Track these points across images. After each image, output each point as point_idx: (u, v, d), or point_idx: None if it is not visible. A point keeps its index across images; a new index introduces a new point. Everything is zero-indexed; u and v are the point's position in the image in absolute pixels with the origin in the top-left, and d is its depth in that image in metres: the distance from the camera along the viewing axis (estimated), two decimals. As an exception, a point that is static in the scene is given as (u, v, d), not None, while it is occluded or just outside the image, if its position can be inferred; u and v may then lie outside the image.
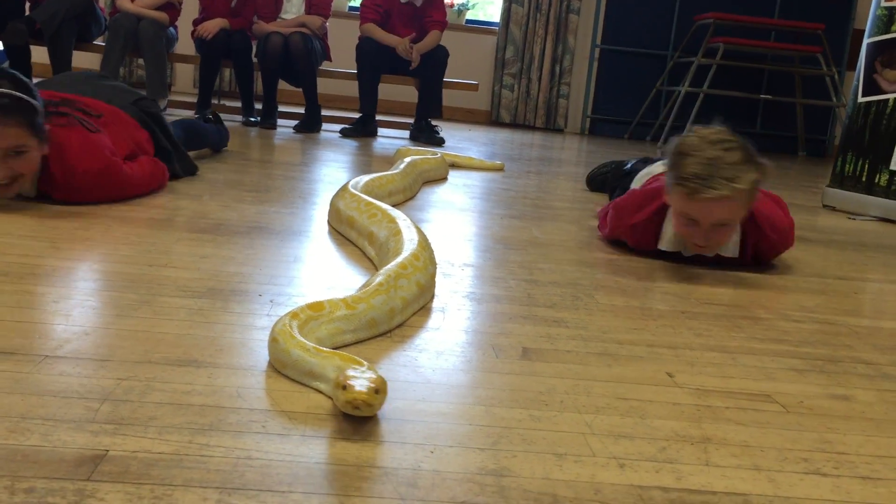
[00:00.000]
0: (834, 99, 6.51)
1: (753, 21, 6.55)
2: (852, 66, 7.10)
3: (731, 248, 1.88)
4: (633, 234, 1.95)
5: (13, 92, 1.73)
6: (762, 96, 6.72)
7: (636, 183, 2.30)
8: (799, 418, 1.04)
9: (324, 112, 5.03)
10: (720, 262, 1.90)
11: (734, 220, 1.77)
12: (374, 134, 4.84)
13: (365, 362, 0.95)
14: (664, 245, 1.90)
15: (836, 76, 6.57)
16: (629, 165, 2.86)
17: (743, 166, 1.70)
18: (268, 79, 4.66)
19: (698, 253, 1.85)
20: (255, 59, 4.73)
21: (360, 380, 0.88)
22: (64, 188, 1.90)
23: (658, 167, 2.28)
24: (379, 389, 0.88)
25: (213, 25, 4.56)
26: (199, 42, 4.68)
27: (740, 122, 7.17)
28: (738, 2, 6.88)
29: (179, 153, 2.46)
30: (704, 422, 1.00)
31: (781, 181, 4.23)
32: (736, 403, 1.07)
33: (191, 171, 2.55)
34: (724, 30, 6.44)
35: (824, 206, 3.37)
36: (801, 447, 0.95)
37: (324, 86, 5.27)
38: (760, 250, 1.92)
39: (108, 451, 0.78)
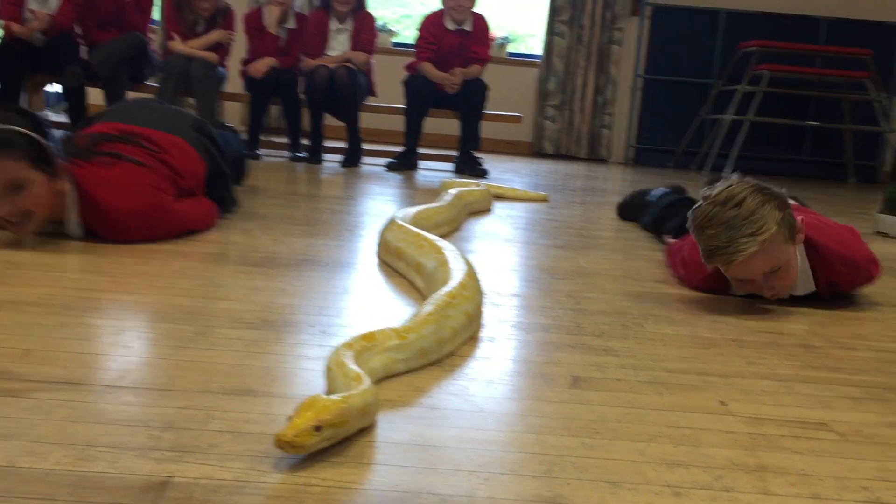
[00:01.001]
0: (883, 124, 6.41)
1: (799, 48, 6.49)
2: (902, 90, 6.99)
3: (802, 285, 1.81)
4: (704, 287, 1.89)
5: (11, 127, 1.72)
6: (809, 123, 6.63)
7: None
8: (857, 447, 1.02)
9: (366, 146, 5.10)
10: (795, 301, 1.83)
11: (782, 263, 1.70)
12: (415, 167, 4.90)
13: (362, 390, 0.94)
14: (738, 292, 1.84)
15: (885, 101, 6.46)
16: (653, 194, 2.87)
17: (760, 213, 1.64)
18: (315, 112, 4.75)
19: (776, 298, 1.79)
20: (302, 96, 4.83)
21: (300, 417, 0.85)
22: (110, 228, 1.91)
23: None
24: (322, 425, 0.84)
25: (263, 65, 4.68)
26: (249, 81, 4.80)
27: (787, 149, 7.08)
28: (782, 29, 6.83)
29: (229, 180, 2.48)
30: (760, 450, 0.99)
31: (832, 208, 4.16)
32: (791, 432, 1.06)
33: (234, 202, 2.55)
34: (768, 57, 6.40)
35: (877, 232, 3.31)
36: (861, 475, 0.94)
37: (368, 120, 5.35)
38: (834, 284, 1.83)
39: (171, 477, 0.80)
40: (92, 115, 2.24)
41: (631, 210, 3.06)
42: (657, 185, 3.09)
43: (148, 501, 0.75)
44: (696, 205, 1.75)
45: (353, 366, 1.04)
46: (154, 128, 2.17)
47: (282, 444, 0.83)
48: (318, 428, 0.85)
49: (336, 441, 0.89)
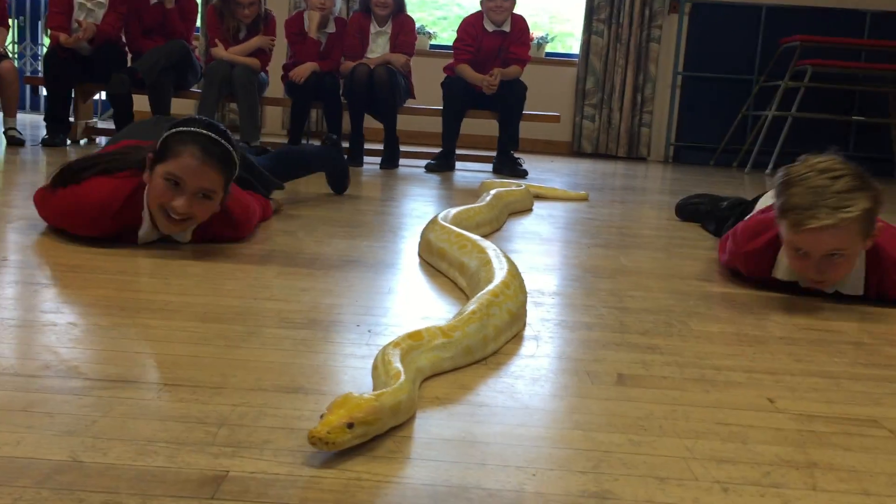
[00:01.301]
0: (932, 118, 6.26)
1: (842, 42, 6.38)
2: (950, 83, 6.83)
3: (851, 284, 1.78)
4: (747, 262, 1.89)
5: (226, 142, 1.86)
6: (854, 118, 6.51)
7: (759, 206, 2.23)
8: (909, 444, 1.01)
9: (405, 148, 5.13)
10: (840, 299, 1.80)
11: (847, 252, 1.65)
12: (453, 168, 4.92)
13: (395, 388, 0.96)
14: (780, 274, 1.83)
15: (934, 94, 6.32)
16: (725, 204, 2.82)
17: (852, 194, 1.61)
18: (355, 112, 4.79)
19: (816, 287, 1.77)
20: (343, 100, 4.88)
21: (333, 414, 0.87)
22: (226, 229, 2.03)
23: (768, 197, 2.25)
24: (354, 423, 0.86)
25: (305, 70, 4.73)
26: (290, 85, 4.86)
27: (832, 145, 6.94)
28: (825, 23, 6.72)
29: (262, 181, 2.48)
30: (809, 447, 0.98)
31: (878, 204, 4.08)
32: (841, 429, 1.05)
33: (278, 185, 2.59)
34: (811, 52, 6.30)
35: (926, 228, 3.24)
36: (913, 473, 0.93)
37: (406, 122, 5.38)
38: (883, 289, 1.79)
39: (228, 471, 0.83)
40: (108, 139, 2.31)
41: (695, 213, 3.00)
42: (700, 184, 3.07)
43: (206, 495, 0.78)
44: (792, 164, 1.72)
45: (396, 364, 1.05)
46: None
47: (315, 440, 0.84)
48: (350, 425, 0.87)
49: (368, 438, 0.90)
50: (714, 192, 3.23)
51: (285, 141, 5.13)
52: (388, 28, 4.90)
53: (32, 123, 6.42)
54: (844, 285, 1.79)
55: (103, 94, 5.50)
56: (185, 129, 1.84)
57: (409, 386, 0.99)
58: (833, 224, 1.59)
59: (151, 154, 1.86)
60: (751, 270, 1.90)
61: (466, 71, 4.80)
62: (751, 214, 2.16)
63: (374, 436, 0.91)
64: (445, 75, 4.97)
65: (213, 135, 1.85)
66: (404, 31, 4.91)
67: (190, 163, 1.80)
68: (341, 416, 0.87)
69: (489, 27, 4.86)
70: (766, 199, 2.20)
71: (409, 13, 5.02)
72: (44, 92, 5.04)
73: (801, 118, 6.20)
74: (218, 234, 2.03)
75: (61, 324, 1.31)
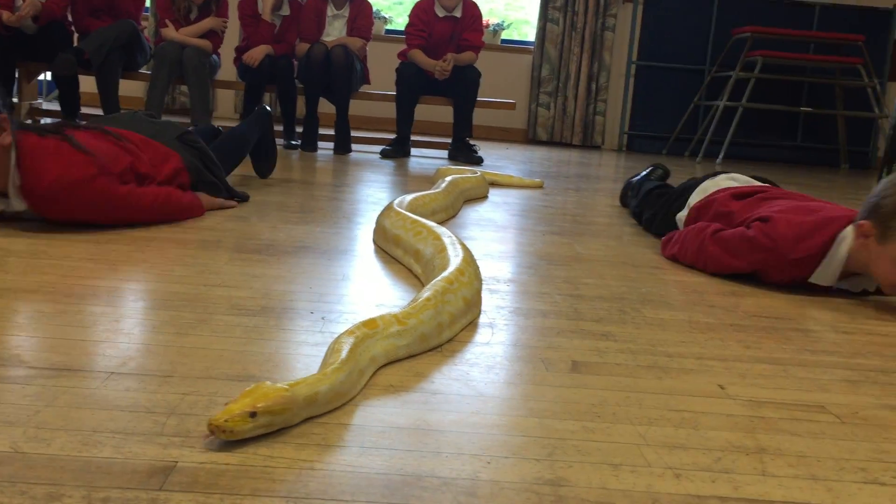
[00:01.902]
0: (876, 110, 6.42)
1: (792, 34, 6.50)
2: (894, 76, 7.01)
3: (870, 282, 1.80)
4: (789, 269, 1.79)
5: None
6: (802, 109, 6.65)
7: (696, 196, 2.23)
8: (854, 429, 1.04)
9: (359, 133, 5.09)
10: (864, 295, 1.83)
11: None
12: (408, 154, 4.90)
13: (315, 378, 0.94)
14: (821, 279, 1.78)
15: (878, 87, 6.48)
16: (635, 179, 2.95)
17: None
18: (310, 95, 4.72)
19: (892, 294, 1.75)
20: (297, 85, 4.82)
21: (237, 402, 0.86)
22: (38, 198, 1.84)
23: (723, 181, 2.24)
24: (256, 412, 0.85)
25: (259, 53, 4.66)
26: (243, 68, 4.78)
27: (781, 135, 7.10)
28: (775, 15, 6.84)
29: (227, 186, 2.46)
30: (759, 432, 1.00)
31: (825, 194, 4.18)
32: (790, 414, 1.07)
33: (243, 198, 2.56)
34: (762, 43, 6.40)
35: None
36: (858, 457, 0.95)
37: (361, 108, 5.34)
38: None
39: (177, 462, 0.81)
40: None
41: (624, 197, 3.09)
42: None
43: (154, 486, 0.76)
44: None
45: (343, 353, 1.03)
46: (133, 130, 2.17)
47: (213, 428, 0.83)
48: (252, 414, 0.85)
49: (274, 428, 0.88)
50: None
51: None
52: (346, 12, 4.85)
53: (-26, 103, 6.21)
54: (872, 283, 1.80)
55: (48, 75, 5.35)
56: None
57: (337, 376, 0.97)
58: None
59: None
60: (792, 276, 1.81)
61: (418, 56, 4.78)
62: (690, 206, 2.20)
63: (282, 426, 0.89)
64: (400, 61, 4.94)
65: None
66: (362, 15, 4.86)
67: None
68: (244, 405, 0.86)
69: (440, 12, 4.85)
70: (703, 191, 2.22)
71: (365, -3, 4.98)
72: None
73: (752, 108, 6.30)
74: (35, 191, 1.83)
75: (2, 312, 1.26)
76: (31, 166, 1.83)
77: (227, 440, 0.85)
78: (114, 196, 1.94)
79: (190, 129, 2.46)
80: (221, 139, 2.79)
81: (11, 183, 1.84)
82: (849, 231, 1.73)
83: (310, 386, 0.93)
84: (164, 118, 2.70)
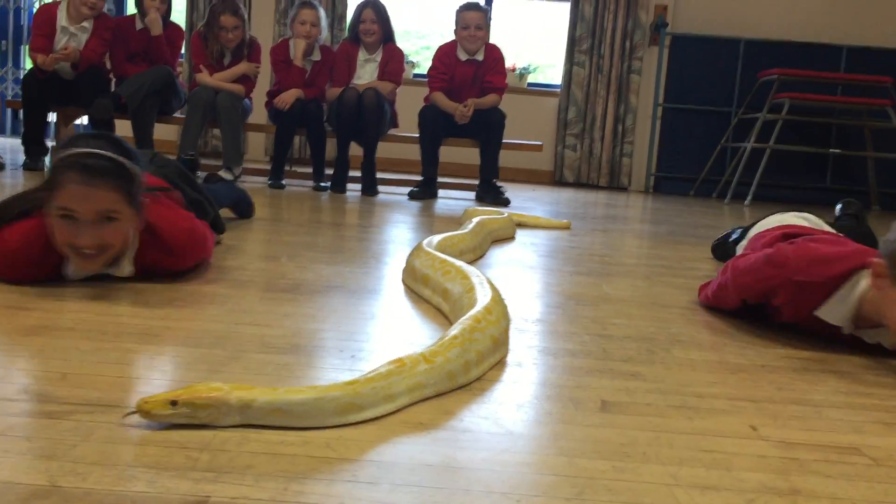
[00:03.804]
0: (907, 151, 6.37)
1: (819, 76, 6.50)
2: (924, 117, 6.96)
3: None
4: (788, 291, 1.66)
5: (111, 154, 1.66)
6: (831, 150, 6.62)
7: (755, 230, 2.19)
8: (890, 471, 1.02)
9: (387, 175, 5.14)
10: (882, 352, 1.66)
11: None
12: (435, 196, 4.94)
13: (261, 389, 1.02)
14: (829, 315, 1.64)
15: (908, 128, 6.44)
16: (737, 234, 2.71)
17: None
18: (341, 138, 4.79)
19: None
20: (327, 128, 4.89)
21: (170, 392, 0.98)
22: (175, 253, 1.83)
23: (790, 217, 2.17)
24: (177, 401, 0.96)
25: (290, 97, 4.75)
26: (274, 112, 4.87)
27: (810, 177, 7.05)
28: (802, 57, 6.84)
29: (213, 205, 2.37)
30: (792, 474, 0.99)
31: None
32: (823, 456, 1.06)
33: (221, 228, 2.45)
34: (789, 85, 6.40)
35: (903, 259, 3.28)
36: (893, 500, 0.93)
37: (389, 150, 5.40)
38: None
39: (209, 497, 0.82)
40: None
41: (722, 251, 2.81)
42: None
43: (187, 520, 0.77)
44: None
45: (340, 388, 1.05)
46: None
47: (136, 407, 0.97)
48: (173, 403, 0.96)
49: (199, 422, 0.98)
50: (742, 224, 3.00)
51: (267, 167, 5.12)
52: (378, 56, 4.94)
53: (13, 147, 6.37)
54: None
55: (85, 119, 5.48)
56: (65, 153, 1.65)
57: (289, 396, 1.01)
58: None
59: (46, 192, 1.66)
60: (788, 300, 1.68)
61: (440, 99, 4.85)
62: (748, 243, 2.14)
63: (208, 422, 0.98)
64: (424, 104, 5.01)
65: (93, 150, 1.64)
66: (394, 60, 4.95)
67: (74, 189, 1.61)
68: (171, 395, 0.97)
69: (462, 56, 4.92)
70: (765, 225, 2.20)
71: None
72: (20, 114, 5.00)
73: (780, 150, 6.28)
74: (157, 262, 1.84)
75: (40, 348, 1.29)
76: (163, 227, 1.79)
77: (150, 421, 0.98)
78: (204, 233, 1.96)
79: (155, 151, 2.43)
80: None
81: (130, 252, 1.79)
82: (867, 274, 1.59)
83: (246, 393, 1.00)
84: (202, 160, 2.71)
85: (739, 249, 2.26)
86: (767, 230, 2.14)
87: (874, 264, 1.55)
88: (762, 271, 1.71)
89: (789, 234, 1.97)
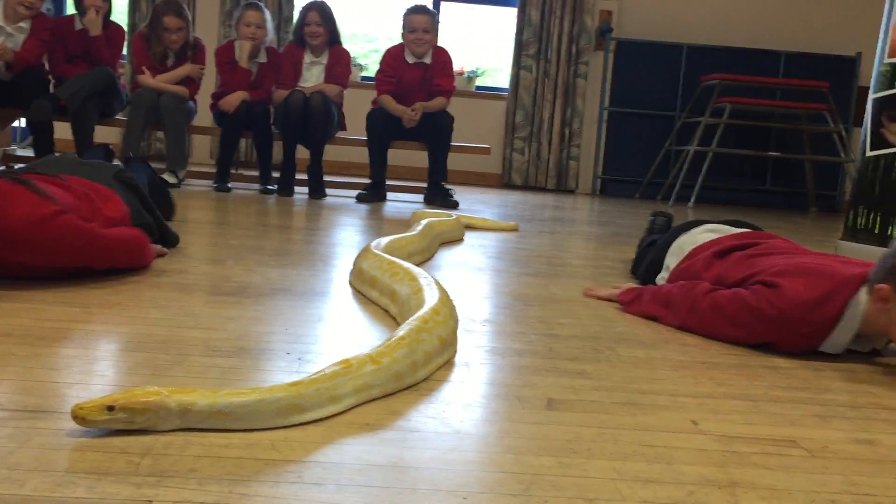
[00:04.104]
0: (842, 154, 6.57)
1: (759, 81, 6.66)
2: (859, 121, 7.18)
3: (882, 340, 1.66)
4: (800, 340, 1.62)
5: None
6: (771, 154, 6.79)
7: (673, 257, 2.09)
8: (825, 462, 1.05)
9: (335, 178, 5.12)
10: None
11: None
12: (384, 198, 4.93)
13: (202, 392, 1.01)
14: (833, 347, 1.62)
15: (844, 132, 6.64)
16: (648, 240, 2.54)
17: None
18: (287, 141, 4.74)
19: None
20: (273, 131, 4.85)
21: (107, 397, 0.96)
22: (4, 242, 1.69)
23: (701, 235, 2.08)
24: (115, 406, 0.95)
25: (235, 99, 4.69)
26: (220, 115, 4.81)
27: (750, 179, 7.23)
28: (743, 62, 7.01)
29: (162, 225, 2.36)
30: (731, 466, 1.01)
31: (795, 237, 4.25)
32: (761, 449, 1.08)
33: (174, 241, 2.42)
34: (730, 90, 6.55)
35: (838, 258, 3.38)
36: (829, 490, 0.96)
37: (336, 153, 5.37)
38: None
39: (151, 501, 0.80)
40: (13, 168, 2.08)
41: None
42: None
43: (129, 525, 0.75)
44: None
45: (283, 390, 1.05)
46: (68, 174, 2.06)
47: (71, 414, 0.94)
48: (110, 408, 0.95)
49: (137, 427, 0.96)
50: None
51: (212, 170, 5.05)
52: (324, 59, 4.90)
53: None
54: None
55: (23, 121, 5.34)
56: None
57: (228, 399, 1.01)
58: None
59: None
60: (802, 344, 1.62)
61: (388, 102, 4.84)
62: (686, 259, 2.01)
63: (146, 427, 0.97)
64: (372, 107, 5.00)
65: None
66: (340, 63, 4.92)
67: None
68: (107, 399, 0.95)
69: (410, 59, 4.92)
70: (686, 242, 2.08)
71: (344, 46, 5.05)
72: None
73: (721, 153, 6.42)
74: None
75: (-25, 353, 1.25)
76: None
77: (85, 427, 0.95)
78: (81, 233, 1.80)
79: (121, 167, 2.39)
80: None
81: None
82: (863, 295, 1.57)
83: (189, 396, 0.99)
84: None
85: (662, 279, 2.12)
86: (691, 255, 2.02)
87: (878, 290, 1.53)
88: (757, 325, 1.64)
89: (722, 252, 1.91)
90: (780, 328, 1.61)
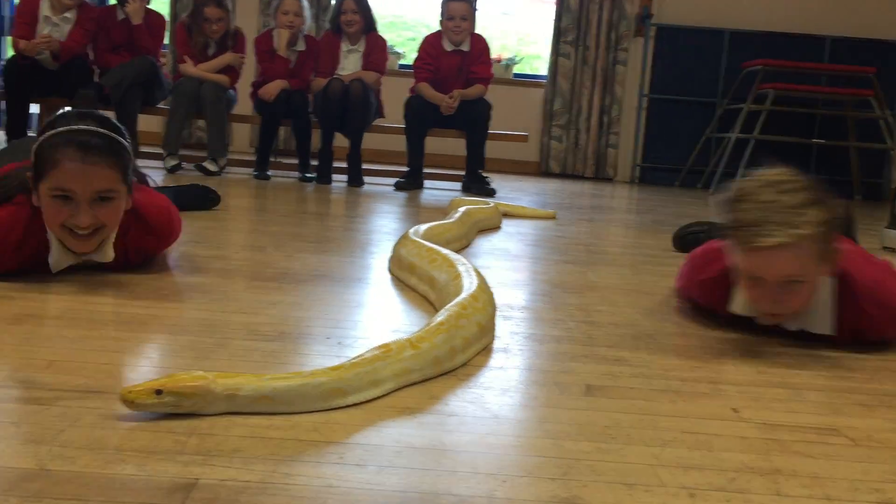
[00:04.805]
0: (888, 141, 6.43)
1: (803, 66, 6.54)
2: (906, 108, 7.02)
3: (820, 321, 1.55)
4: (701, 292, 1.73)
5: (105, 131, 1.60)
6: (815, 141, 6.66)
7: None
8: (868, 451, 1.04)
9: (373, 166, 5.14)
10: (809, 339, 1.58)
11: (805, 277, 1.43)
12: (421, 186, 4.94)
13: (247, 377, 1.02)
14: (736, 308, 1.59)
15: (890, 119, 6.49)
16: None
17: (806, 210, 1.41)
18: (326, 129, 4.78)
19: (773, 323, 1.55)
20: (312, 119, 4.88)
21: (154, 381, 0.98)
22: (143, 237, 1.78)
23: None
24: (163, 390, 0.96)
25: (275, 87, 4.73)
26: (259, 103, 4.85)
27: (794, 166, 7.09)
28: (786, 48, 6.88)
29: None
30: (773, 454, 1.00)
31: (838, 224, 4.17)
32: (804, 437, 1.07)
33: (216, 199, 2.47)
34: (773, 76, 6.44)
35: (884, 247, 3.32)
36: (873, 478, 0.95)
37: (374, 141, 5.39)
38: (859, 329, 1.55)
39: (198, 479, 0.82)
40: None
41: (696, 242, 2.47)
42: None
43: (176, 501, 0.77)
44: (740, 179, 1.55)
45: (325, 374, 1.06)
46: None
47: (120, 397, 0.96)
48: (158, 392, 0.96)
49: (184, 410, 0.97)
50: (705, 218, 2.97)
51: (251, 158, 5.09)
52: (361, 46, 4.92)
53: (-5, 139, 6.33)
54: (809, 321, 1.56)
55: (69, 110, 5.43)
56: (53, 131, 1.58)
57: (274, 383, 1.02)
58: (786, 243, 1.38)
59: (30, 173, 1.60)
60: (707, 301, 1.72)
61: (425, 90, 4.84)
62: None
63: (193, 410, 0.98)
64: (410, 94, 5.00)
65: (88, 126, 1.58)
66: (377, 49, 4.94)
67: (71, 168, 1.54)
68: (155, 384, 0.97)
69: (448, 47, 4.91)
70: None
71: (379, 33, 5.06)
72: (3, 105, 4.96)
73: (764, 140, 6.32)
74: (140, 246, 1.80)
75: (26, 336, 1.29)
76: (147, 210, 1.77)
77: (135, 411, 0.97)
78: (178, 215, 1.94)
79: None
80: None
81: (113, 236, 1.71)
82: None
83: (232, 381, 1.00)
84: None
85: None
86: None
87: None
88: (685, 275, 1.78)
89: None
90: (689, 278, 1.77)
